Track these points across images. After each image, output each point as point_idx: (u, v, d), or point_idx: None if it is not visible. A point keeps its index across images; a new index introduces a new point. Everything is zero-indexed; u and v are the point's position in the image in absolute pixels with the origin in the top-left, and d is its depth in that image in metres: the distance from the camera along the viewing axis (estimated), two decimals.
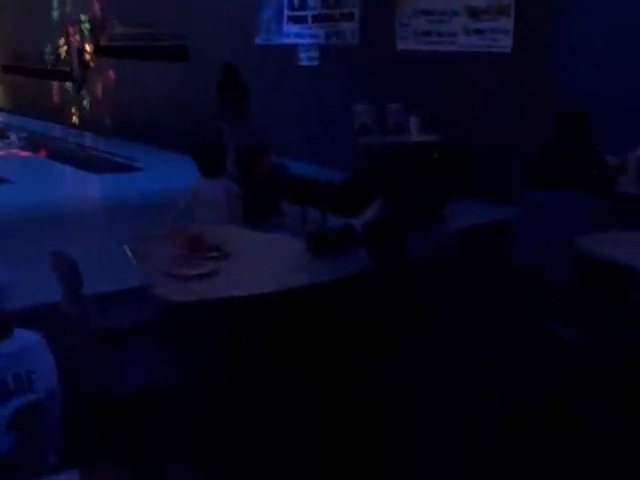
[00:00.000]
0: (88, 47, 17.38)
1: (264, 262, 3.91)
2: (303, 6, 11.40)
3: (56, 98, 18.64)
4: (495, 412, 3.78)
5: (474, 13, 8.81)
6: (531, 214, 4.88)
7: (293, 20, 11.62)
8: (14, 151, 13.85)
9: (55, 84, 18.79)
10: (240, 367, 3.78)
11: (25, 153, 13.58)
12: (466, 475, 3.32)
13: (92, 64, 17.29)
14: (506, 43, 8.47)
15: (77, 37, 17.71)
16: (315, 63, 11.27)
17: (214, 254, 3.86)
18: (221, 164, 5.31)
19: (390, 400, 3.85)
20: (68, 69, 18.26)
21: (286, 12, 11.69)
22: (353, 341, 3.87)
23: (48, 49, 19.04)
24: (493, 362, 4.33)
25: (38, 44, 19.61)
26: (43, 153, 13.36)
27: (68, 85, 18.27)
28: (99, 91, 17.01)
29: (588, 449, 3.38)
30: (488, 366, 4.27)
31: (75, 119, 17.01)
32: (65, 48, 18.31)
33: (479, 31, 8.77)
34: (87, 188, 10.59)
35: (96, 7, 16.55)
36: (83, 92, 17.72)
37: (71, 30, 17.91)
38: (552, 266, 4.40)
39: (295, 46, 11.55)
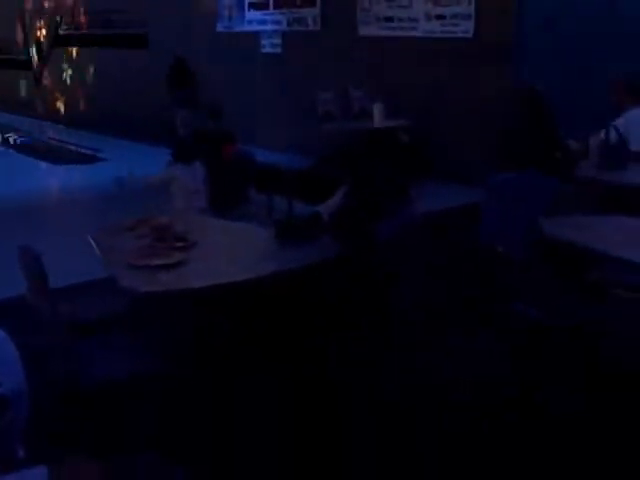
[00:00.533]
0: (46, 37, 17.13)
1: (231, 251, 3.91)
2: None
3: (20, 90, 18.33)
4: (459, 397, 3.83)
5: None
6: (494, 196, 4.94)
7: (254, 7, 11.56)
8: None
9: (17, 74, 18.48)
10: (206, 356, 3.79)
11: None
12: (430, 459, 3.37)
13: (49, 54, 17.04)
14: (467, 28, 8.52)
15: (37, 27, 17.43)
16: (278, 50, 11.23)
17: (180, 244, 3.84)
18: (196, 150, 5.32)
19: (352, 384, 3.89)
20: (25, 58, 17.98)
21: None
22: (317, 326, 3.91)
23: (6, 38, 18.71)
24: (457, 346, 4.38)
25: None
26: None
27: (28, 75, 18.01)
28: (60, 81, 16.78)
29: (553, 432, 3.45)
30: (452, 350, 4.32)
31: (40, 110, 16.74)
32: (23, 37, 18.02)
33: (440, 16, 8.81)
34: (51, 180, 10.48)
35: None
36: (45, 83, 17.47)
37: (28, 18, 17.62)
38: (511, 247, 4.47)
39: (257, 33, 11.49)
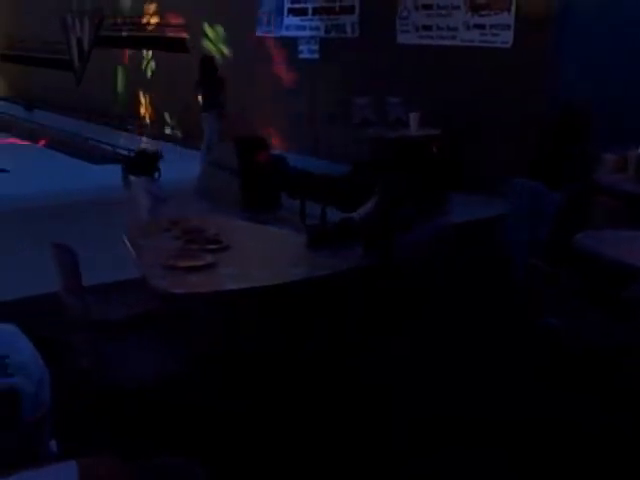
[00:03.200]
0: (87, 37, 17.35)
1: (262, 255, 3.92)
2: None
3: (61, 89, 18.58)
4: (484, 411, 3.79)
5: (475, 8, 8.80)
6: (513, 207, 4.95)
7: (293, 12, 11.60)
8: (11, 140, 13.84)
9: (59, 74, 18.73)
10: (234, 358, 3.80)
11: (23, 142, 13.56)
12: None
13: (90, 54, 17.27)
14: (506, 38, 8.47)
15: (77, 27, 17.66)
16: (315, 56, 11.25)
17: (212, 246, 3.87)
18: (152, 167, 5.30)
19: (380, 390, 3.88)
20: (68, 58, 18.23)
21: (286, 4, 11.67)
22: (345, 332, 3.90)
23: (48, 38, 18.97)
24: (483, 359, 4.34)
25: (37, 33, 19.55)
26: (42, 142, 13.34)
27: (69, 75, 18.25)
28: (100, 81, 16.99)
29: (583, 451, 3.40)
30: (477, 363, 4.28)
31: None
32: (64, 37, 18.27)
33: (480, 26, 8.76)
34: (87, 179, 10.59)
35: None
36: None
37: (70, 20, 17.87)
38: (520, 257, 4.46)
39: (295, 38, 11.53)
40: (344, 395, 3.79)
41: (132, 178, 5.22)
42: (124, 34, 15.68)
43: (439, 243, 4.17)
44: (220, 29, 12.55)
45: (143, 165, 5.22)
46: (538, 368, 4.05)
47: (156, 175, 5.25)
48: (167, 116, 14.38)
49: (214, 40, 12.79)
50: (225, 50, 12.45)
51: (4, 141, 13.74)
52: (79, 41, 17.76)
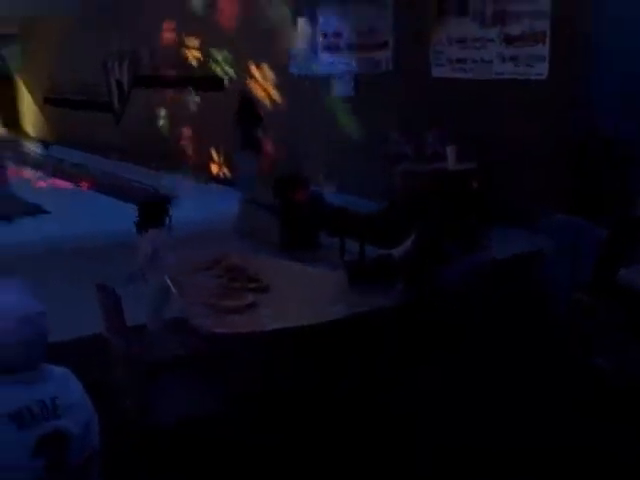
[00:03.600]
0: (126, 78, 17.71)
1: (302, 294, 3.93)
2: (337, 35, 11.50)
3: (100, 130, 18.95)
4: (518, 443, 3.73)
5: (509, 40, 8.82)
6: (554, 242, 4.92)
7: (327, 49, 11.72)
8: (55, 182, 14.10)
9: (98, 115, 19.11)
10: (275, 398, 3.80)
11: (66, 184, 13.81)
12: None
13: (129, 95, 17.61)
14: (541, 70, 8.46)
15: (117, 69, 18.05)
16: (350, 92, 11.34)
17: (253, 285, 3.89)
18: (160, 217, 5.22)
19: (420, 425, 3.85)
20: (108, 100, 18.60)
21: (320, 41, 11.80)
22: (386, 369, 3.88)
23: (88, 81, 19.41)
24: (522, 396, 4.28)
25: (78, 76, 20.01)
26: (84, 184, 13.57)
27: (109, 116, 18.61)
28: (139, 122, 17.30)
29: None
30: (514, 397, 4.22)
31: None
32: (104, 78, 18.67)
33: (514, 58, 8.77)
34: (126, 218, 10.69)
35: (134, 39, 16.87)
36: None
37: (110, 62, 18.26)
38: (561, 292, 4.40)
39: (329, 75, 11.64)
40: (374, 428, 3.76)
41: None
42: (164, 74, 15.96)
43: (478, 279, 4.14)
44: (264, 67, 12.72)
45: (151, 216, 5.16)
46: (577, 401, 3.99)
47: (167, 221, 5.21)
48: (214, 154, 14.57)
49: (256, 78, 12.97)
50: (269, 89, 12.60)
51: (46, 182, 14.01)
52: (119, 82, 18.14)
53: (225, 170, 13.28)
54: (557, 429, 3.84)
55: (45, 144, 19.43)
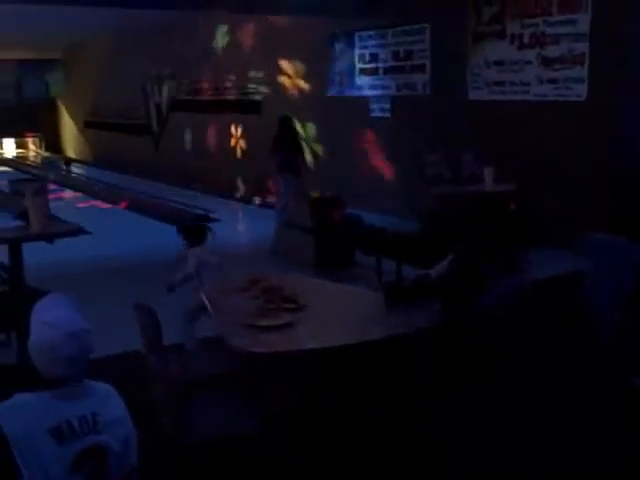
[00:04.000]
0: (165, 102, 17.98)
1: (340, 314, 3.92)
2: (375, 59, 11.57)
3: (140, 153, 19.22)
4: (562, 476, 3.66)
5: (547, 62, 8.79)
6: (595, 263, 4.85)
7: (365, 72, 11.79)
8: (94, 203, 14.33)
9: (137, 138, 19.40)
10: (314, 418, 3.78)
11: (106, 204, 14.02)
12: None
13: (167, 118, 17.86)
14: (580, 92, 8.40)
15: (157, 92, 18.33)
16: (387, 114, 11.38)
17: (290, 305, 3.90)
18: (202, 236, 5.33)
19: (455, 450, 3.80)
20: (146, 123, 18.88)
21: (358, 65, 11.88)
22: (421, 390, 3.85)
23: (127, 105, 19.73)
24: (565, 420, 4.21)
25: (118, 100, 20.37)
26: (123, 205, 13.76)
27: (147, 139, 18.89)
28: (176, 145, 17.51)
29: None
30: (557, 427, 4.15)
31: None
32: (143, 102, 18.97)
33: (553, 80, 8.73)
34: (165, 238, 10.82)
35: (173, 64, 17.13)
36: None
37: (149, 86, 18.57)
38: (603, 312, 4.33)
39: (366, 97, 11.70)
40: (405, 455, 3.73)
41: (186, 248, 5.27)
42: (204, 98, 16.17)
43: (516, 301, 4.10)
44: (302, 89, 12.82)
45: (193, 235, 5.29)
46: (620, 426, 3.91)
47: (209, 238, 5.30)
48: (252, 177, 14.67)
49: (294, 100, 13.07)
50: (307, 111, 12.68)
51: (87, 204, 14.23)
52: (158, 106, 18.42)
53: (263, 192, 13.36)
54: (597, 456, 3.77)
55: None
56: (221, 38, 15.06)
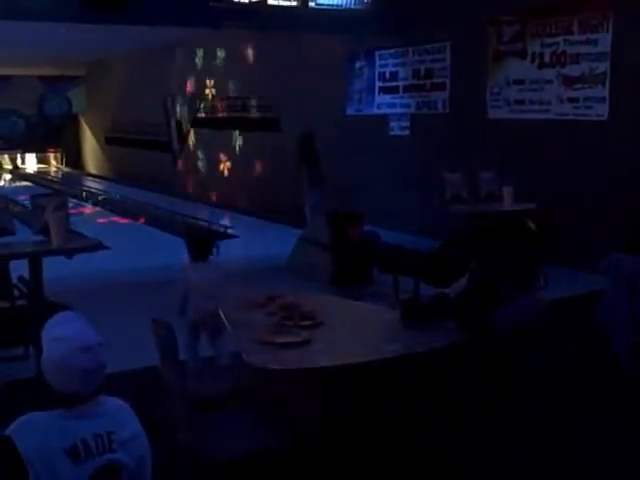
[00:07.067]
0: (185, 119, 18.09)
1: (357, 331, 3.91)
2: (394, 77, 11.60)
3: (160, 169, 19.33)
4: None
5: (568, 82, 8.76)
6: (612, 283, 4.82)
7: (384, 91, 11.82)
8: (114, 219, 14.42)
9: (158, 155, 19.52)
10: (332, 435, 3.76)
11: (125, 220, 14.11)
12: None
13: (190, 136, 17.97)
14: (602, 111, 8.36)
15: (178, 109, 18.46)
16: (406, 132, 11.38)
17: (307, 322, 3.89)
18: (209, 250, 5.22)
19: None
20: (167, 140, 19.00)
21: (377, 83, 11.91)
22: (438, 409, 3.83)
23: (148, 122, 19.87)
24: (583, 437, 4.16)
25: (138, 117, 20.52)
26: (142, 220, 13.84)
27: (167, 156, 19.00)
28: (196, 161, 17.61)
29: None
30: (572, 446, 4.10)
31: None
32: (164, 119, 19.10)
33: (573, 99, 8.70)
34: (180, 254, 10.85)
35: (193, 81, 17.26)
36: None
37: (169, 102, 18.70)
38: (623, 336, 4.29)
39: (386, 116, 11.72)
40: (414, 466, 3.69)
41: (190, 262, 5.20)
42: (224, 115, 16.25)
43: (533, 320, 4.07)
44: (321, 107, 12.85)
45: (197, 249, 5.21)
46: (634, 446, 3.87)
47: (214, 252, 5.22)
48: (270, 192, 14.70)
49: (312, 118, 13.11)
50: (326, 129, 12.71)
51: (106, 219, 14.32)
52: (178, 123, 18.54)
53: (284, 208, 13.37)
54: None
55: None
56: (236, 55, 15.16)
